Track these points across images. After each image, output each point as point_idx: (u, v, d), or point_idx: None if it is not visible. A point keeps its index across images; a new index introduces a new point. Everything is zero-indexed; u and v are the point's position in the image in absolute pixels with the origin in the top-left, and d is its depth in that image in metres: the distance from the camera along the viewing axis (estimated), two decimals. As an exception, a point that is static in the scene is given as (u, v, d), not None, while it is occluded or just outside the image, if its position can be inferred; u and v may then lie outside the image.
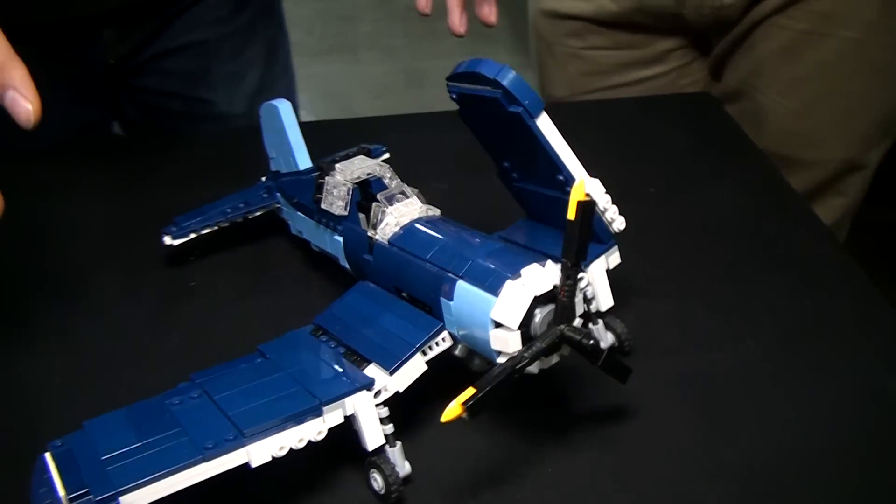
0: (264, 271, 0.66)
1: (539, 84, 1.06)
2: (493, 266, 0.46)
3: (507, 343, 0.44)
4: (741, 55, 0.93)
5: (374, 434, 0.46)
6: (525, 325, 0.44)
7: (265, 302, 0.63)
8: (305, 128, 0.65)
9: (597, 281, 0.54)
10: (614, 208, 0.54)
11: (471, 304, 0.45)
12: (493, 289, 0.44)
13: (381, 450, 0.46)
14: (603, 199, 0.53)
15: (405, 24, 3.22)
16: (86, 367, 0.57)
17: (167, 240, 0.64)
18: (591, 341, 0.44)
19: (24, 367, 0.57)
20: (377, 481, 0.46)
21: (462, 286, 0.46)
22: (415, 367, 0.47)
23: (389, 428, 0.47)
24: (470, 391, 0.41)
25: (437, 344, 0.48)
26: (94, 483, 0.39)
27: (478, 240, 0.49)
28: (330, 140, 0.65)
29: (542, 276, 0.45)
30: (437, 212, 0.54)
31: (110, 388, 0.55)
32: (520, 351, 0.43)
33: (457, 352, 0.49)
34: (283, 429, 0.43)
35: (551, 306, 0.44)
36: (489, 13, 0.72)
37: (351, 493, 0.47)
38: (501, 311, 0.44)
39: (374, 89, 2.94)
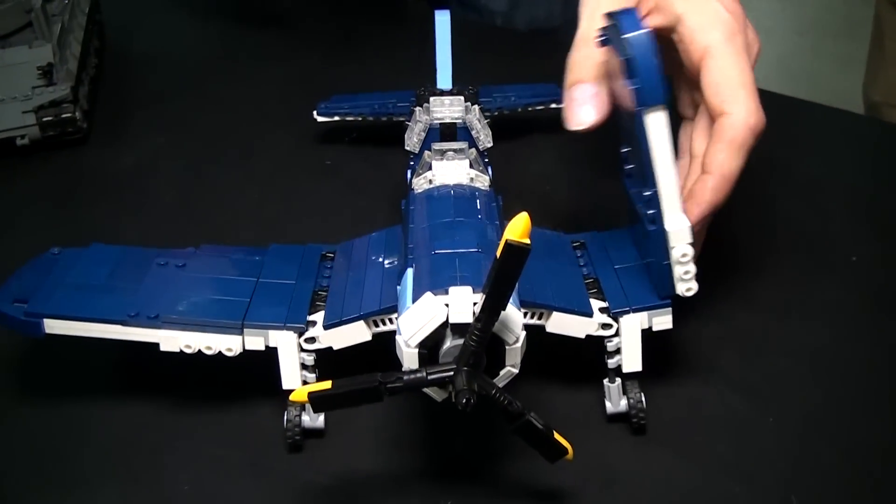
0: (392, 171, 0.65)
1: (863, 80, 0.85)
2: (435, 269, 0.40)
3: (402, 355, 0.39)
4: None
5: (290, 375, 0.45)
6: (429, 348, 0.38)
7: (369, 200, 0.63)
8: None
9: (626, 337, 0.45)
10: (691, 267, 0.43)
11: (402, 297, 0.41)
12: (416, 294, 0.39)
13: (299, 393, 0.46)
14: (680, 251, 0.42)
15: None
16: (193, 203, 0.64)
17: (315, 114, 0.66)
18: (503, 398, 0.38)
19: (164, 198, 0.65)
20: (284, 420, 0.46)
21: (408, 275, 0.41)
22: (355, 332, 0.44)
23: (312, 377, 0.45)
24: (326, 385, 0.38)
25: (389, 321, 0.44)
26: (33, 298, 0.45)
27: (465, 233, 0.43)
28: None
29: (468, 304, 0.38)
30: (485, 181, 0.48)
31: (201, 229, 0.61)
32: (414, 370, 0.38)
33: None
34: (200, 330, 0.44)
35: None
36: None
37: (270, 420, 0.47)
38: (405, 322, 0.38)
39: (799, 25, 2.57)
